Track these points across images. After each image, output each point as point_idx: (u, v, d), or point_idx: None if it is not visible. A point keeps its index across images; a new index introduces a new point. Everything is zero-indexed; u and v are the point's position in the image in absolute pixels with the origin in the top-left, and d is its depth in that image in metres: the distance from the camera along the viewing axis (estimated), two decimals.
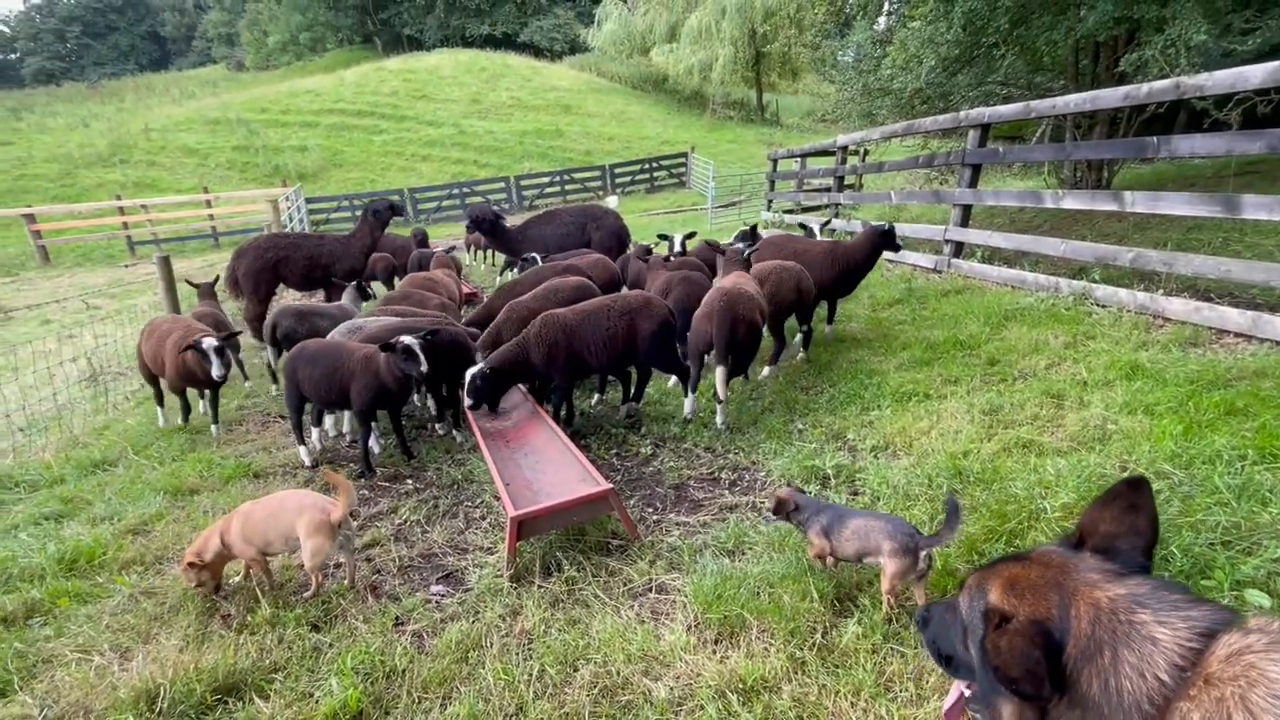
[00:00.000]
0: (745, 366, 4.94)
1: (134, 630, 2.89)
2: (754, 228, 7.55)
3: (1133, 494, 1.16)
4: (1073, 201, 6.02)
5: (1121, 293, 5.30)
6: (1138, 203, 5.22)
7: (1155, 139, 5.08)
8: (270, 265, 7.42)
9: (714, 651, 2.49)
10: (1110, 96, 5.55)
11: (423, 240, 10.39)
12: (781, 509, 2.80)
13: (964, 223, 7.41)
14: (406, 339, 4.13)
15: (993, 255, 7.33)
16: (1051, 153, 7.17)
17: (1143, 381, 3.94)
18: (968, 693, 1.46)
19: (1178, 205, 4.94)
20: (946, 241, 7.56)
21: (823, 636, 2.47)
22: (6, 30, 74.39)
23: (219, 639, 2.76)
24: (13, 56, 72.60)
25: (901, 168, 9.78)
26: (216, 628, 2.87)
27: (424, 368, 4.12)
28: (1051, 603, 1.06)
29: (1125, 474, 3.05)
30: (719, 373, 4.41)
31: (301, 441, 4.62)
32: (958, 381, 4.58)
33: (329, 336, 4.98)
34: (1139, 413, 3.61)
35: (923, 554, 2.38)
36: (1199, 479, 2.90)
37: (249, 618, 2.90)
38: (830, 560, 2.68)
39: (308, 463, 4.60)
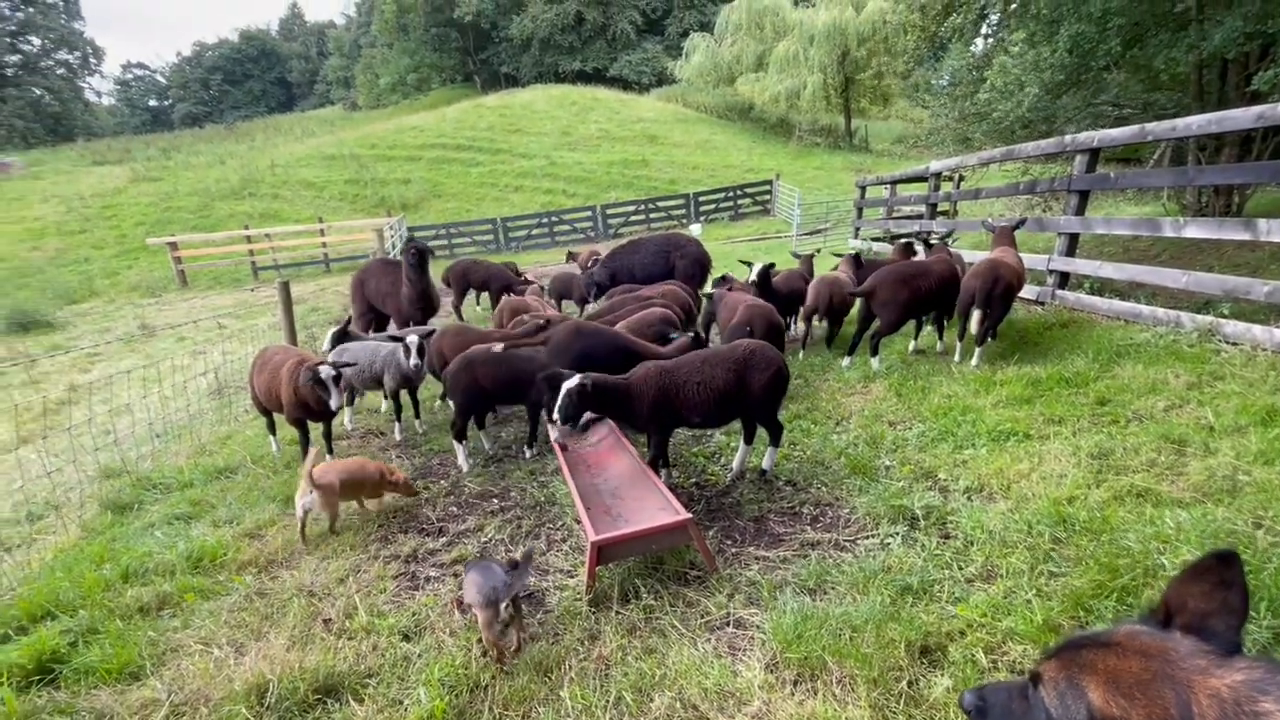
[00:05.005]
0: (999, 320, 5.90)
1: (248, 627, 3.14)
2: (858, 254, 7.61)
3: (1224, 569, 1.06)
4: (1196, 230, 5.56)
5: (1256, 329, 4.83)
6: (1274, 231, 4.77)
7: None
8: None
9: (792, 692, 2.43)
10: (1241, 117, 5.12)
11: None
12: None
13: (1070, 252, 6.99)
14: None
15: (1103, 287, 6.85)
16: (1171, 178, 6.68)
17: None
18: None
19: None
20: (1050, 272, 7.14)
21: (909, 687, 2.36)
22: (162, 80, 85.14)
23: (320, 641, 2.95)
24: (166, 103, 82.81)
25: (1000, 194, 9.36)
26: (319, 630, 3.07)
27: None
28: (1168, 701, 0.94)
29: (1260, 530, 2.78)
30: (975, 315, 5.66)
31: (460, 439, 4.93)
32: (1062, 421, 4.29)
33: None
34: (1277, 463, 3.26)
35: (502, 605, 2.45)
36: None
37: (348, 623, 3.09)
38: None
39: (465, 468, 4.90)
